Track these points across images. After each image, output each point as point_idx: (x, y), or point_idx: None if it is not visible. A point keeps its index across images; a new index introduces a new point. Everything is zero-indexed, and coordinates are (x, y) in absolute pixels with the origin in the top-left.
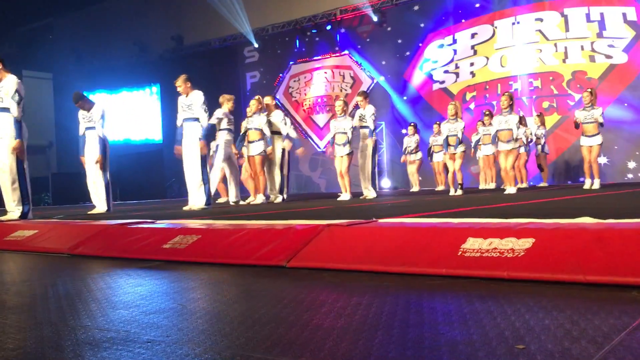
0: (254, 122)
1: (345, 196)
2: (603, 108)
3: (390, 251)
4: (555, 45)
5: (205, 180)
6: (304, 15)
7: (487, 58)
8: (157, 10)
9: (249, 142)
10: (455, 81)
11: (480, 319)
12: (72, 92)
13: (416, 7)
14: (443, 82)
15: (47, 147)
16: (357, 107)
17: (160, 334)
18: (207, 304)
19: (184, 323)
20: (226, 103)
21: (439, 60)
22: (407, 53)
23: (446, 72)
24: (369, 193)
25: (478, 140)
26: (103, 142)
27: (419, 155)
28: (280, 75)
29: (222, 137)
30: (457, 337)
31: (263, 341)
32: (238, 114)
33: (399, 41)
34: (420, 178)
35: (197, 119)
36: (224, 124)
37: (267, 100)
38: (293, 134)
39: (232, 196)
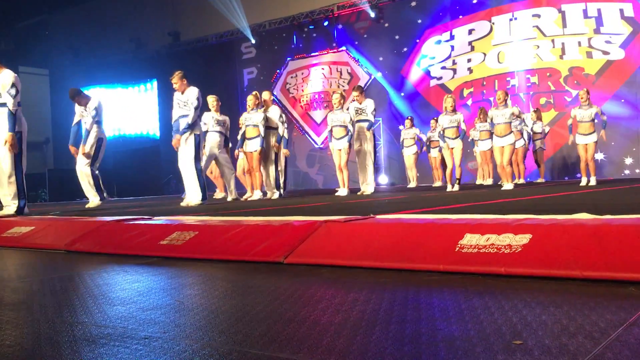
0: (252, 118)
1: (342, 192)
2: (600, 104)
3: (387, 247)
4: (553, 41)
5: (200, 176)
6: (301, 11)
7: (485, 54)
8: (153, 6)
9: (247, 138)
10: (453, 77)
11: (477, 315)
12: (69, 88)
13: (413, 3)
14: (440, 78)
15: (43, 143)
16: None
17: (157, 330)
18: (204, 300)
19: (182, 319)
20: (210, 105)
21: (436, 56)
22: (405, 49)
23: (443, 68)
24: (367, 188)
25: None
26: (92, 134)
27: (415, 148)
28: (278, 71)
29: (210, 139)
30: (454, 332)
31: (260, 337)
32: (235, 110)
33: (397, 37)
34: (417, 174)
35: None
36: (211, 127)
37: (265, 95)
38: (286, 136)
39: (230, 195)
